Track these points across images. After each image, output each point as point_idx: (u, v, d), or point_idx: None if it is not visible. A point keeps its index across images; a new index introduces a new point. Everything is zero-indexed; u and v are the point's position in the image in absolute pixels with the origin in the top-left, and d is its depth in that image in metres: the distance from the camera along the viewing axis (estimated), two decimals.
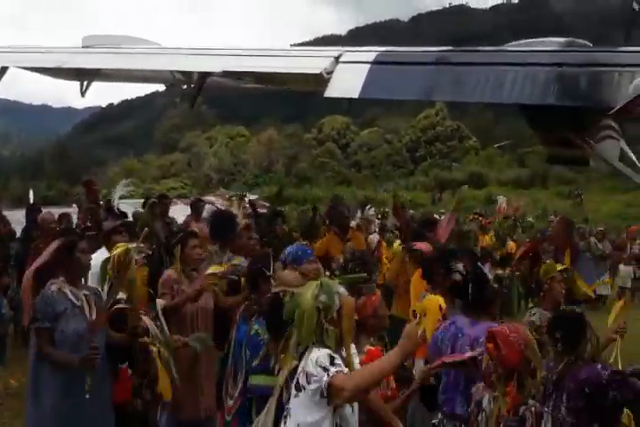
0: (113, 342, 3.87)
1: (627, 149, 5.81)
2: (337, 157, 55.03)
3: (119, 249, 3.99)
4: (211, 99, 75.47)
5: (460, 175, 44.24)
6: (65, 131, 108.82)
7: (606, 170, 5.87)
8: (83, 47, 5.96)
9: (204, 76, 5.73)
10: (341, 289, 2.75)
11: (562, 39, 4.79)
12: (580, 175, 36.25)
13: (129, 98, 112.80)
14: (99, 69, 5.86)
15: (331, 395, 2.52)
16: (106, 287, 4.07)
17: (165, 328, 4.05)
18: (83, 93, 6.25)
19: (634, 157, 5.98)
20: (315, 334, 2.62)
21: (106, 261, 4.00)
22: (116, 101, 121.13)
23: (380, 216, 9.44)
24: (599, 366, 3.38)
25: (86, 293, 3.89)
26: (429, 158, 51.31)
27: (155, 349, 3.85)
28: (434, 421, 3.75)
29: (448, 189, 34.83)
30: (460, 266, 3.78)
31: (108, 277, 3.95)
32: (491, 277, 3.87)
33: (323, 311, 2.63)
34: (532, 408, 2.83)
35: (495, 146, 38.32)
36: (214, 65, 5.44)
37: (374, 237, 8.30)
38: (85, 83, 6.14)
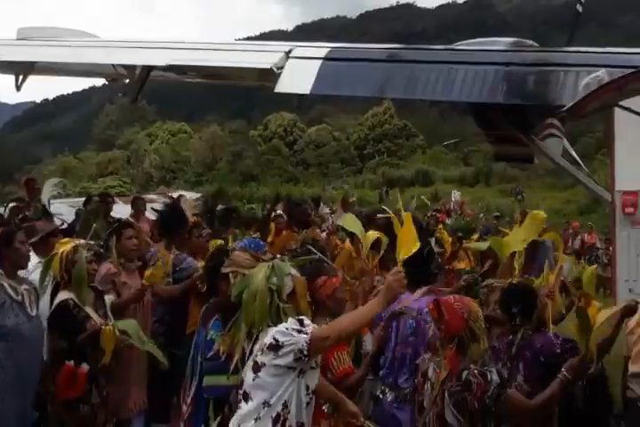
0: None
1: (568, 146, 5.99)
2: (283, 155, 54.73)
3: (66, 246, 3.89)
4: (151, 94, 74.11)
5: (408, 173, 44.80)
6: None
7: (550, 167, 6.03)
8: (17, 39, 5.75)
9: (149, 70, 5.59)
10: (293, 271, 2.74)
11: (510, 39, 4.89)
12: (521, 173, 37.22)
13: (65, 93, 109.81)
14: (35, 62, 5.61)
15: (312, 349, 2.48)
16: (50, 286, 4.00)
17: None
18: (18, 88, 5.99)
19: (575, 154, 6.18)
20: (269, 315, 2.59)
21: (49, 259, 3.89)
22: (50, 97, 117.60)
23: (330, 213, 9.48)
24: (551, 334, 3.54)
25: (26, 287, 3.75)
26: (377, 156, 51.71)
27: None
28: (377, 393, 3.82)
29: (396, 187, 35.26)
30: None
31: (52, 275, 3.89)
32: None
33: (275, 292, 2.60)
34: (475, 371, 2.85)
35: (444, 144, 39.03)
36: (160, 58, 5.27)
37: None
38: (21, 77, 5.91)
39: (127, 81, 6.11)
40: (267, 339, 2.54)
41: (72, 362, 3.69)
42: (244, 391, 2.59)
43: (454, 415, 2.83)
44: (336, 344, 2.64)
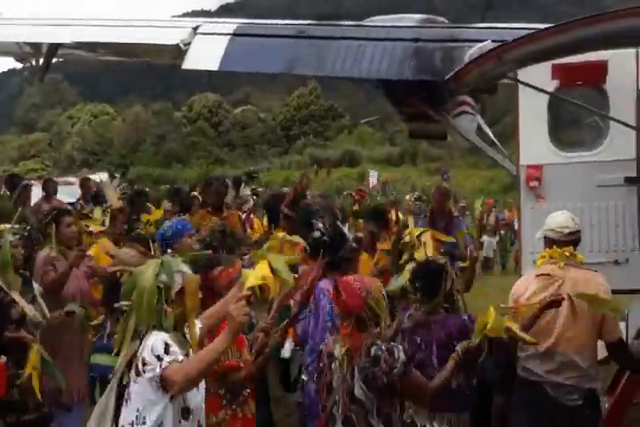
0: None
1: (483, 124, 6.08)
2: (209, 136, 53.98)
3: None
4: (72, 75, 71.51)
5: (334, 154, 45.00)
6: None
7: (464, 145, 6.12)
8: None
9: (55, 47, 5.36)
10: (184, 267, 2.65)
11: (420, 16, 4.88)
12: (445, 152, 38.02)
13: None
14: None
15: (164, 385, 2.46)
16: None
17: (46, 310, 3.85)
18: None
19: (490, 133, 6.28)
20: (155, 315, 2.53)
21: None
22: None
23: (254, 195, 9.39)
24: (465, 316, 3.60)
25: None
26: (303, 137, 51.68)
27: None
28: (303, 377, 3.87)
29: (324, 168, 35.40)
30: (320, 224, 3.83)
31: None
32: (350, 236, 3.96)
33: (164, 291, 2.53)
34: (383, 347, 2.88)
35: (362, 121, 39.26)
36: (64, 36, 5.11)
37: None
38: None
39: (34, 60, 5.84)
40: (143, 348, 2.51)
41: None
42: (128, 391, 2.56)
43: (363, 391, 2.86)
44: (185, 390, 2.53)
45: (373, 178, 14.28)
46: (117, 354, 2.66)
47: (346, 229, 3.94)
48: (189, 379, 2.46)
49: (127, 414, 2.54)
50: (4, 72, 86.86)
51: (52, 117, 58.20)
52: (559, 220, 3.66)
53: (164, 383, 2.45)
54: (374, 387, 2.85)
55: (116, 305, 2.91)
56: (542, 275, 3.60)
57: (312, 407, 3.68)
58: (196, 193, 7.14)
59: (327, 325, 3.76)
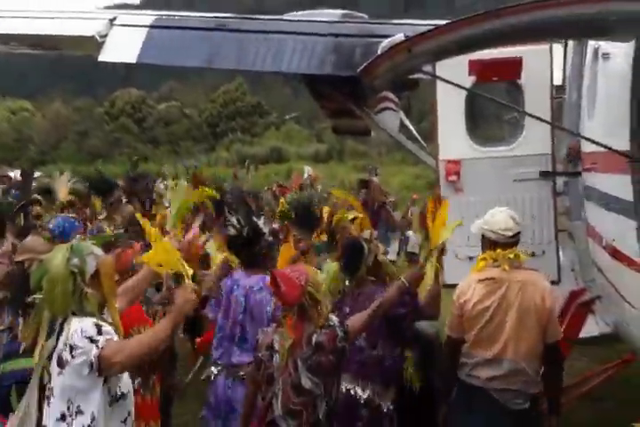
0: None
1: (406, 121, 6.19)
2: (133, 133, 52.60)
3: None
4: None
5: (262, 150, 44.70)
6: None
7: (388, 141, 6.21)
8: None
9: None
10: (96, 250, 2.55)
11: (339, 11, 4.91)
12: (372, 149, 38.42)
13: None
14: None
15: (101, 367, 2.35)
16: None
17: None
18: None
19: (413, 129, 6.40)
20: (72, 301, 2.41)
21: None
22: None
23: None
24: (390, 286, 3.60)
25: None
26: (230, 134, 51.08)
27: None
28: (208, 375, 3.81)
29: (252, 165, 35.14)
30: (234, 219, 3.81)
31: None
32: (266, 230, 3.92)
33: (78, 275, 2.42)
34: (322, 331, 2.90)
35: (286, 117, 39.15)
36: None
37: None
38: None
39: None
40: (68, 335, 2.39)
41: None
42: (49, 387, 2.43)
43: (311, 379, 2.85)
44: (126, 369, 2.47)
45: (308, 173, 14.24)
46: (30, 352, 2.55)
47: (261, 223, 3.89)
48: (132, 360, 2.38)
49: (54, 409, 2.40)
50: None
51: None
52: (500, 220, 3.56)
53: (101, 364, 2.33)
54: (321, 371, 2.87)
55: (28, 299, 2.82)
56: (487, 279, 3.52)
57: (219, 405, 3.66)
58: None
59: (238, 318, 3.71)
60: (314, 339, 2.90)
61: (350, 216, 5.05)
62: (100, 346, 2.34)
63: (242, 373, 3.56)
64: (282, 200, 7.78)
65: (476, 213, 3.99)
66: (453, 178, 4.70)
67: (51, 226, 3.85)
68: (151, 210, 6.49)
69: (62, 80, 66.31)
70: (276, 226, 5.29)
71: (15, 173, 10.38)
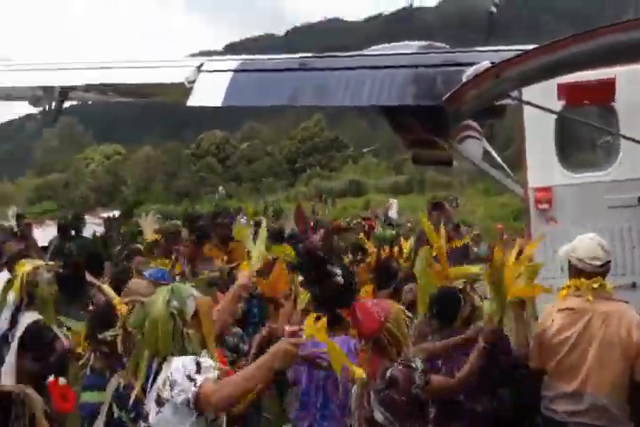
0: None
1: (490, 148, 6.05)
2: (217, 172, 54.52)
3: (26, 267, 3.99)
4: (86, 118, 72.81)
5: (339, 184, 45.05)
6: None
7: (470, 170, 6.09)
8: None
9: (66, 90, 5.47)
10: (194, 291, 2.62)
11: (420, 42, 4.91)
12: (454, 179, 37.92)
13: (1, 122, 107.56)
14: None
15: (199, 406, 2.36)
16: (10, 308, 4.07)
17: None
18: None
19: (497, 157, 6.24)
20: (173, 342, 2.46)
21: (9, 281, 4.01)
22: None
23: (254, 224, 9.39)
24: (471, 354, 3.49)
25: None
26: (309, 169, 51.93)
27: None
28: None
29: (329, 198, 35.46)
30: (338, 270, 3.69)
31: (15, 297, 3.97)
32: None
33: (178, 317, 2.48)
34: (399, 366, 2.81)
35: (364, 150, 39.15)
36: (74, 79, 5.24)
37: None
38: None
39: (47, 104, 5.98)
40: (168, 372, 2.42)
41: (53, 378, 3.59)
42: (148, 425, 2.47)
43: (382, 414, 2.78)
44: (221, 410, 2.47)
45: (393, 207, 14.07)
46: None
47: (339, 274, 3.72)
48: (228, 403, 2.40)
49: None
50: (20, 117, 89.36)
51: (68, 159, 59.42)
52: (587, 248, 3.39)
53: (198, 403, 2.35)
54: (394, 410, 2.77)
55: (100, 336, 2.89)
56: (567, 309, 3.37)
57: None
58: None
59: (320, 385, 3.53)
60: (388, 373, 2.82)
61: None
62: (198, 384, 2.35)
63: None
64: (362, 236, 7.70)
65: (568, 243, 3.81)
66: (544, 206, 4.53)
67: (146, 275, 3.97)
68: (228, 246, 6.57)
69: (151, 125, 69.98)
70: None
71: (113, 215, 10.87)
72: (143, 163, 55.23)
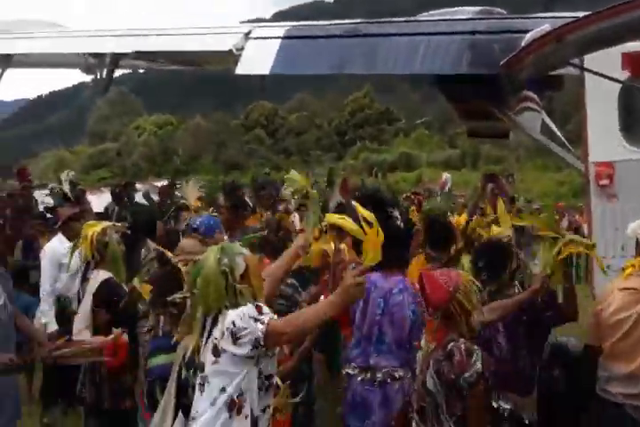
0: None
1: (549, 121, 5.79)
2: (265, 143, 54.65)
3: (95, 228, 4.14)
4: (139, 87, 73.90)
5: (390, 158, 44.50)
6: None
7: (528, 143, 5.86)
8: None
9: (117, 58, 5.47)
10: (244, 250, 2.68)
11: (476, 8, 4.67)
12: (510, 154, 36.95)
13: (57, 89, 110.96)
14: (9, 56, 5.55)
15: (268, 342, 2.45)
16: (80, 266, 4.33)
17: None
18: None
19: (556, 130, 5.96)
20: (226, 297, 2.54)
21: (79, 241, 4.18)
22: (44, 93, 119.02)
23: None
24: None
25: None
26: (358, 142, 51.44)
27: None
28: (348, 370, 3.68)
29: (380, 172, 35.03)
30: (398, 213, 3.70)
31: (84, 257, 4.16)
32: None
33: (229, 274, 2.55)
34: (462, 346, 2.76)
35: (417, 122, 38.40)
36: (125, 46, 5.22)
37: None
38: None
39: (98, 70, 6.02)
40: (226, 323, 2.49)
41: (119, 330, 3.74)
42: (203, 376, 2.54)
43: (434, 382, 2.78)
44: (292, 340, 2.63)
45: (447, 181, 13.82)
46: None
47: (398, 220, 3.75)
48: (298, 331, 2.51)
49: (205, 397, 2.51)
50: (74, 85, 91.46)
51: (120, 128, 60.53)
52: None
53: (268, 338, 2.43)
54: (443, 381, 2.77)
55: (169, 298, 2.96)
56: (628, 289, 3.20)
57: (356, 404, 3.57)
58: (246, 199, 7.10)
59: (375, 319, 3.60)
60: (449, 346, 2.79)
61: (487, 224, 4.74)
62: (266, 322, 2.44)
63: (378, 376, 3.48)
64: (413, 208, 7.52)
65: (630, 221, 3.60)
66: (605, 182, 4.29)
67: (197, 223, 4.01)
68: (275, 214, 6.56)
69: (202, 95, 70.50)
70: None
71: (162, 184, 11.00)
72: (193, 133, 55.81)
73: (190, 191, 6.37)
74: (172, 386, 2.75)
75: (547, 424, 3.60)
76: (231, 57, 4.87)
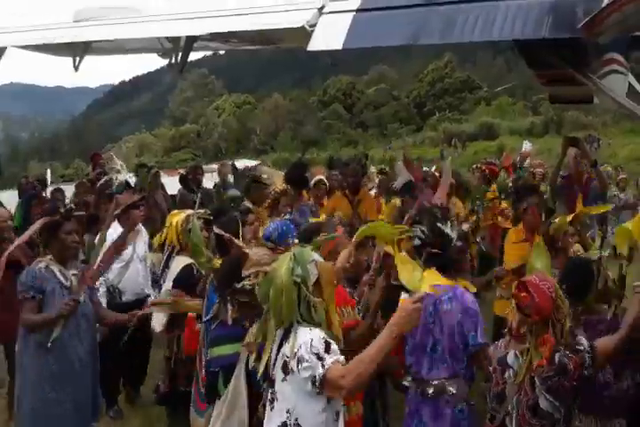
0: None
1: (635, 83, 5.48)
2: (343, 118, 54.44)
3: (178, 216, 4.28)
4: (218, 68, 74.96)
5: (471, 127, 43.34)
6: (80, 110, 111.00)
7: (613, 107, 5.56)
8: (74, 21, 5.78)
9: (191, 40, 5.53)
10: (316, 256, 2.56)
11: None
12: (596, 119, 35.29)
13: (140, 73, 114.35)
14: (88, 43, 5.66)
15: (325, 388, 2.33)
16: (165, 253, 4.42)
17: None
18: (76, 68, 6.11)
19: None
20: (298, 310, 2.43)
21: (167, 228, 4.33)
22: (127, 78, 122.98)
23: (379, 174, 9.18)
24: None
25: (75, 272, 3.75)
26: (437, 113, 50.36)
27: None
28: (405, 382, 3.61)
29: (459, 142, 34.23)
30: (419, 230, 3.48)
31: (168, 244, 4.31)
32: (454, 235, 3.54)
33: (302, 285, 2.44)
34: (567, 351, 2.63)
35: (498, 89, 36.76)
36: (198, 28, 5.21)
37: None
38: (77, 58, 5.99)
39: (173, 54, 6.08)
40: (296, 344, 2.39)
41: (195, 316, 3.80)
42: (273, 391, 2.48)
43: (550, 402, 2.63)
44: (352, 393, 2.42)
45: (527, 149, 13.24)
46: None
47: (448, 229, 3.50)
48: (360, 384, 2.34)
49: (275, 415, 2.46)
50: (157, 70, 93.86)
51: (200, 110, 61.77)
52: None
53: (326, 385, 2.32)
54: (562, 396, 2.63)
55: (237, 285, 2.94)
56: None
57: (412, 415, 3.44)
58: (322, 177, 6.98)
59: (429, 327, 3.42)
60: (557, 358, 2.64)
61: (568, 218, 4.48)
62: (327, 366, 2.31)
63: (431, 391, 3.33)
64: (493, 187, 7.26)
65: None
66: None
67: (269, 230, 3.84)
68: (358, 194, 6.45)
69: (279, 73, 70.94)
70: (465, 228, 4.72)
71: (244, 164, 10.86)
72: (271, 111, 56.28)
73: (275, 173, 6.35)
74: (240, 378, 2.73)
75: None
76: (304, 33, 4.84)
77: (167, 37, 5.57)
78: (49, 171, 12.55)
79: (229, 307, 3.15)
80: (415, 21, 4.47)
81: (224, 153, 47.86)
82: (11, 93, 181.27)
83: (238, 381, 2.73)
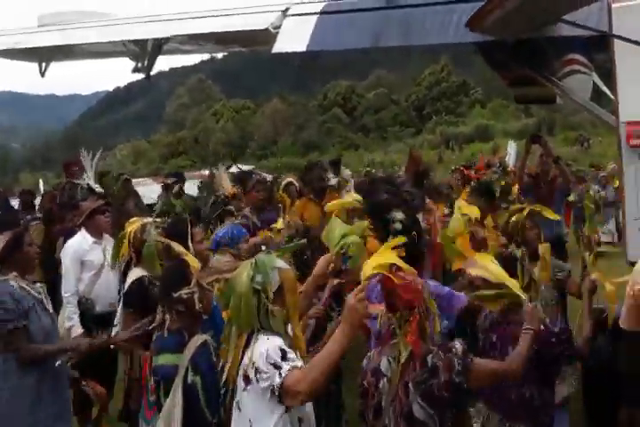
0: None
1: (600, 83, 5.50)
2: (343, 122, 54.52)
3: (134, 225, 3.97)
4: (215, 73, 74.63)
5: (467, 129, 43.53)
6: (72, 118, 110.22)
7: (575, 107, 5.58)
8: (38, 26, 5.81)
9: (158, 43, 5.55)
10: (280, 263, 2.51)
11: None
12: (585, 120, 35.43)
13: (134, 80, 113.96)
14: (53, 48, 5.64)
15: (284, 396, 2.29)
16: (120, 265, 4.11)
17: None
18: (42, 74, 6.12)
19: (609, 92, 5.65)
20: (257, 318, 2.42)
21: (120, 238, 3.98)
22: (122, 84, 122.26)
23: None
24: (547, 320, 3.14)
25: (40, 285, 3.62)
26: (435, 116, 50.52)
27: None
28: None
29: (456, 145, 34.45)
30: (400, 214, 3.38)
31: (121, 254, 3.97)
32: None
33: (262, 292, 2.41)
34: (440, 352, 2.35)
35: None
36: (158, 31, 5.26)
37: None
38: (44, 63, 6.02)
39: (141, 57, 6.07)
40: (254, 356, 2.36)
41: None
42: (237, 401, 2.47)
43: (424, 409, 2.34)
44: (310, 399, 2.37)
45: (512, 150, 13.17)
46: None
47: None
48: (316, 387, 2.29)
49: (239, 425, 2.46)
50: (152, 76, 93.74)
51: (198, 115, 61.41)
52: None
53: (284, 393, 2.28)
54: (434, 402, 2.35)
55: (175, 295, 2.89)
56: None
57: None
58: (292, 180, 6.96)
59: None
60: (429, 360, 2.36)
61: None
62: (283, 375, 2.27)
63: None
64: (465, 190, 7.21)
65: None
66: (637, 142, 4.04)
67: (220, 235, 3.81)
68: (323, 198, 6.22)
69: (278, 78, 70.96)
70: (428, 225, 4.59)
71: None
72: (271, 116, 56.20)
73: (223, 177, 6.32)
74: (178, 391, 2.67)
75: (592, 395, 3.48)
76: (268, 35, 4.85)
77: (133, 41, 5.55)
78: (41, 181, 12.61)
79: (167, 317, 3.06)
80: (376, 24, 4.52)
81: (223, 159, 47.83)
82: (0, 102, 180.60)
83: (175, 395, 2.69)
